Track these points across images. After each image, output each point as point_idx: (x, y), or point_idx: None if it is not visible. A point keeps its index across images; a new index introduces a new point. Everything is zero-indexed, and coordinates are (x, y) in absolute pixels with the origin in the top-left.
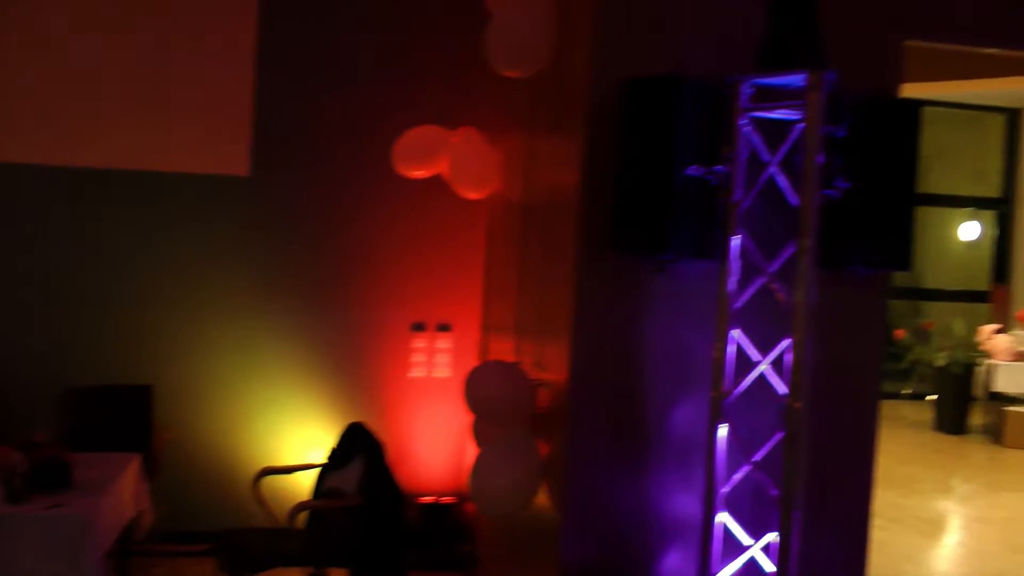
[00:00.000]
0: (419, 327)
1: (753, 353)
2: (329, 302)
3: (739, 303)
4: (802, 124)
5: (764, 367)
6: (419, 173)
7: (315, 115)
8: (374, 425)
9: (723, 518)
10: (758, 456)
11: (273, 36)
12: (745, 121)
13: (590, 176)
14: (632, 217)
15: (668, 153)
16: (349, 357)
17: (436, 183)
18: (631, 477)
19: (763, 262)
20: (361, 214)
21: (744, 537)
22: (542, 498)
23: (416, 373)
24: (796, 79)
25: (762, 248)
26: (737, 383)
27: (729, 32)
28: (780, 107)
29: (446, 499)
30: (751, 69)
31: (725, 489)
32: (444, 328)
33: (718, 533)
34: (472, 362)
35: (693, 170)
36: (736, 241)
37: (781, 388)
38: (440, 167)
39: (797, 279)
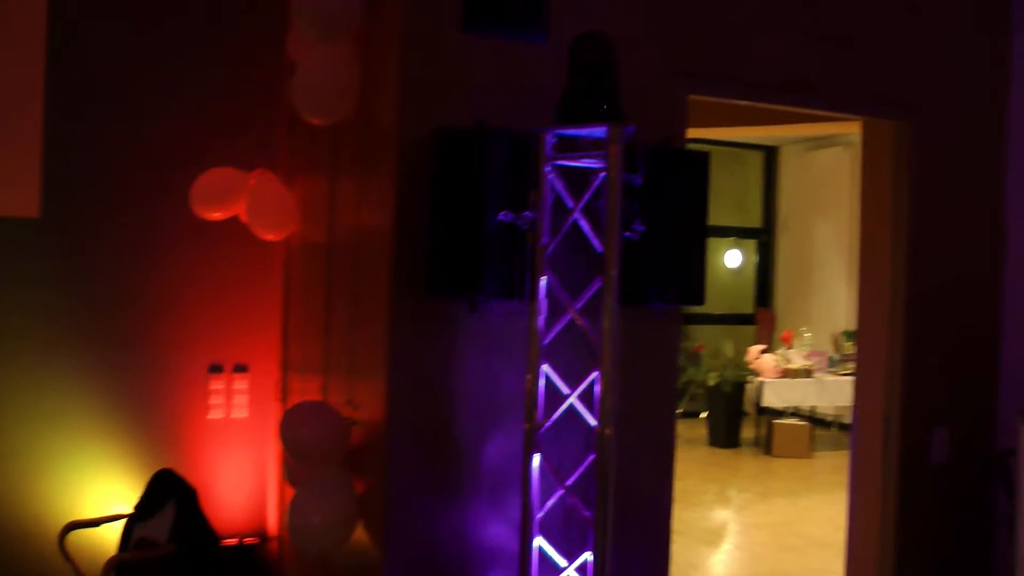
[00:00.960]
0: (216, 368)
1: (562, 386)
2: (125, 346)
3: (547, 339)
4: (603, 173)
5: (573, 399)
6: (216, 215)
7: (111, 156)
8: (175, 469)
9: (539, 542)
10: (570, 481)
11: (64, 73)
12: (550, 169)
13: (402, 220)
14: (446, 260)
15: (479, 200)
16: (148, 401)
17: (234, 225)
18: (449, 509)
19: (569, 300)
20: (158, 255)
21: (559, 559)
22: (360, 534)
23: (214, 415)
24: (597, 131)
25: (568, 287)
26: (548, 415)
27: (534, 84)
28: (582, 157)
29: (249, 540)
30: (554, 121)
31: (540, 514)
32: (241, 369)
33: (535, 557)
34: (271, 402)
35: (503, 216)
36: (544, 281)
37: (590, 418)
38: (237, 209)
39: (603, 315)
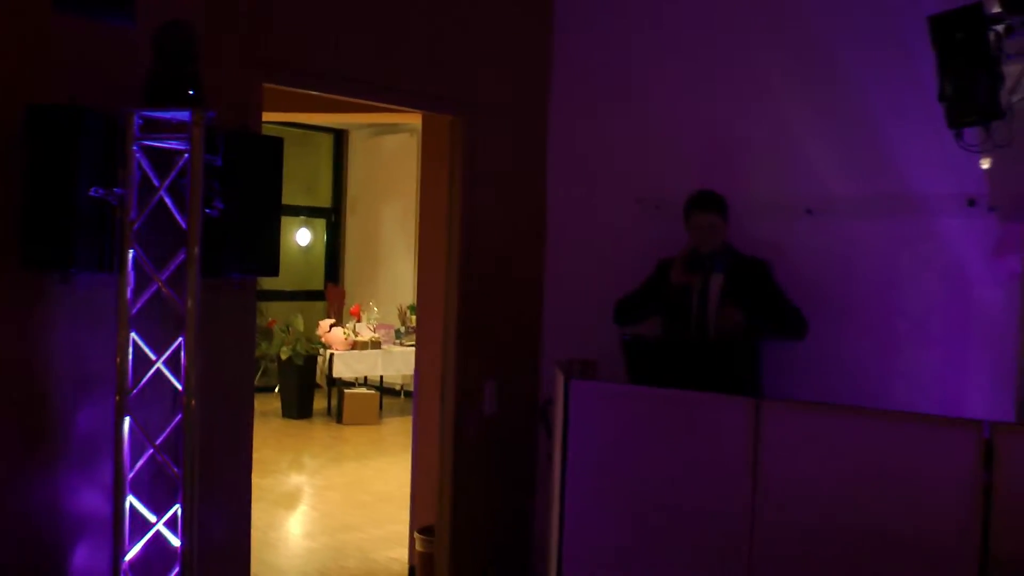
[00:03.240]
0: None
1: (150, 352)
2: None
3: (136, 309)
4: (187, 154)
5: (160, 364)
6: None
7: None
8: None
9: (131, 500)
10: (160, 440)
11: None
12: (137, 148)
13: None
14: (39, 234)
15: (71, 175)
16: None
17: None
18: (43, 482)
19: (155, 272)
20: None
21: (150, 515)
22: None
23: None
24: (181, 114)
25: (155, 259)
26: (138, 381)
27: (124, 66)
28: (168, 138)
29: None
30: (141, 103)
31: (131, 475)
32: None
33: (127, 515)
34: None
35: (94, 191)
36: (131, 254)
37: (176, 382)
38: None
39: (187, 286)
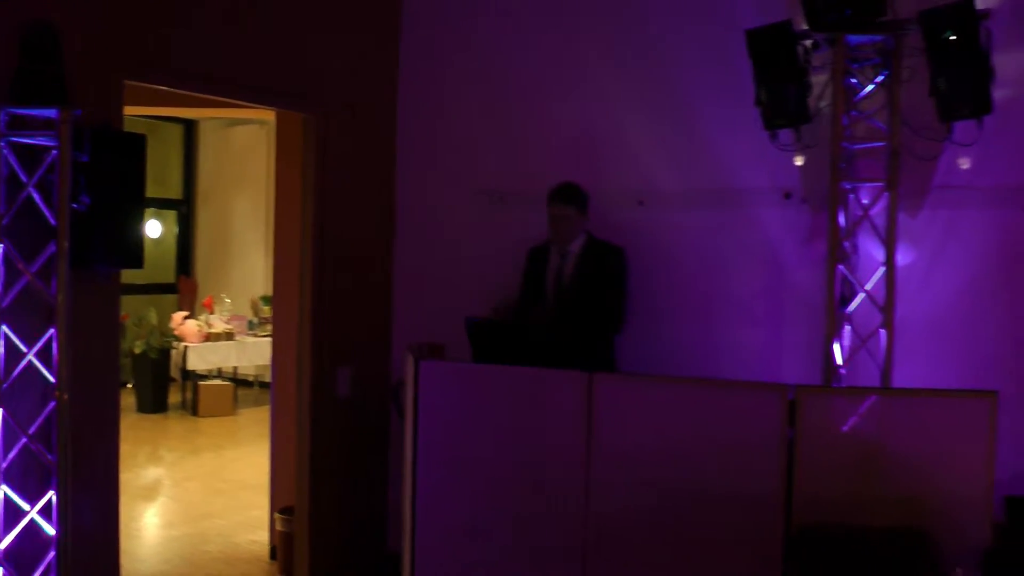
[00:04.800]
0: None
1: (21, 344)
2: None
3: (6, 302)
4: (55, 151)
5: (31, 356)
6: None
7: None
8: None
9: (4, 490)
10: (33, 429)
11: None
12: (4, 145)
13: None
14: None
15: None
16: None
17: None
18: None
19: (25, 265)
20: None
21: (23, 504)
22: None
23: None
24: (48, 112)
25: (25, 253)
26: (10, 373)
27: None
28: (35, 135)
29: None
30: (7, 100)
31: (4, 465)
32: None
33: (1, 506)
34: None
35: None
36: (1, 248)
37: (48, 375)
38: None
39: (57, 280)
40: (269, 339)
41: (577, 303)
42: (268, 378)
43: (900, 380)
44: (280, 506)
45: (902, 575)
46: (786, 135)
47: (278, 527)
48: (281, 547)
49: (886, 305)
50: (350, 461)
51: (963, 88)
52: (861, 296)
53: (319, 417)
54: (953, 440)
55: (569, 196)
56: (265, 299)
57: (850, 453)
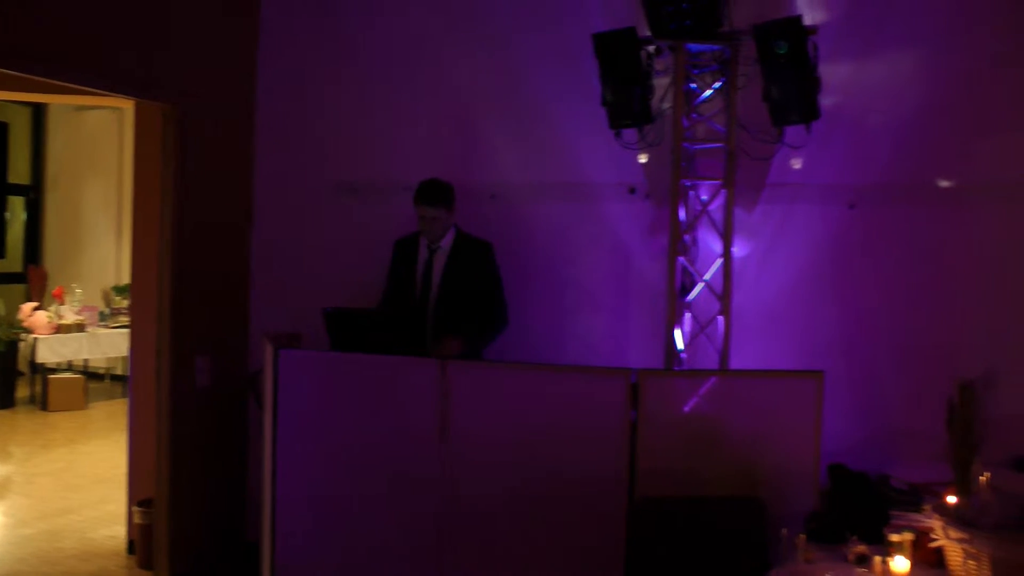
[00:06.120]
0: None
1: None
2: None
3: None
4: None
5: None
6: None
7: None
8: None
9: None
10: None
11: None
12: None
13: None
14: None
15: None
16: None
17: None
18: None
19: None
20: None
21: None
22: None
23: None
24: None
25: None
26: None
27: None
28: None
29: None
30: None
31: None
32: None
33: None
34: None
35: None
36: None
37: None
38: None
39: None
40: (122, 331)
41: (461, 304)
42: (120, 371)
43: (737, 363)
44: (138, 499)
45: (735, 538)
46: (631, 134)
47: (136, 520)
48: (139, 540)
49: (724, 294)
50: (209, 451)
51: (793, 96)
52: (700, 286)
53: (178, 407)
54: (785, 416)
55: (438, 197)
56: (118, 289)
57: (690, 431)
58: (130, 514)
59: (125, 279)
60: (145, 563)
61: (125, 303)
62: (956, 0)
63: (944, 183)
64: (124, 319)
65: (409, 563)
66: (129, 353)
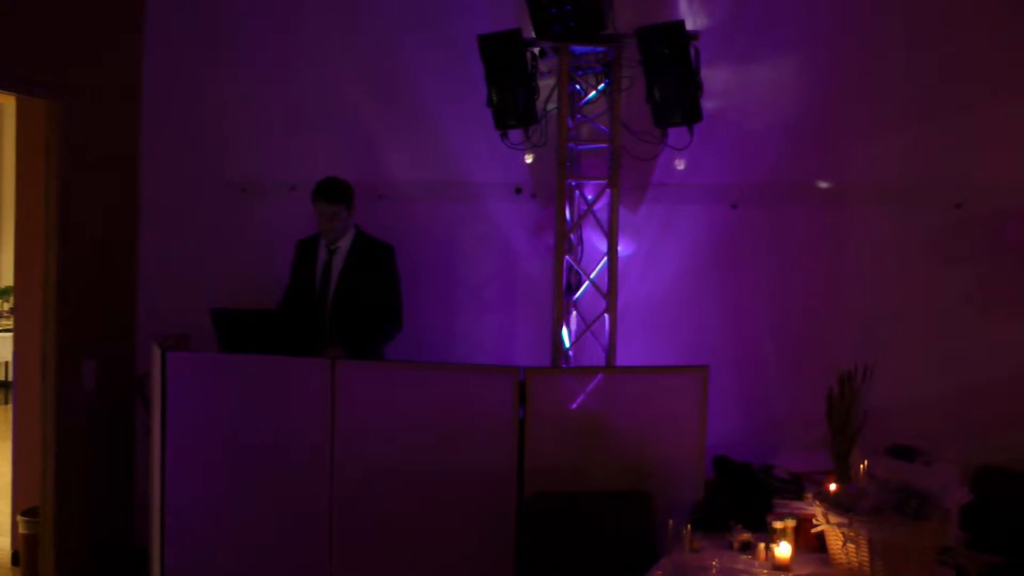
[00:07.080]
0: None
1: None
2: None
3: None
4: None
5: None
6: None
7: None
8: None
9: None
10: None
11: None
12: None
13: None
14: None
15: None
16: None
17: None
18: None
19: None
20: None
21: None
22: None
23: None
24: None
25: None
26: None
27: None
28: None
29: None
30: None
31: None
32: None
33: None
34: None
35: None
36: None
37: None
38: None
39: None
40: (4, 335)
41: (358, 306)
42: (3, 376)
43: (623, 359)
44: (23, 508)
45: (624, 531)
46: (516, 134)
47: (21, 530)
48: (24, 551)
49: (609, 292)
50: (96, 456)
51: (675, 98)
52: (586, 284)
53: (64, 413)
54: (670, 410)
55: (337, 194)
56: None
57: (578, 427)
58: (14, 524)
59: (7, 281)
60: (31, 574)
61: (7, 306)
62: (832, 9)
63: (821, 184)
64: (7, 323)
65: (300, 564)
66: (13, 358)
